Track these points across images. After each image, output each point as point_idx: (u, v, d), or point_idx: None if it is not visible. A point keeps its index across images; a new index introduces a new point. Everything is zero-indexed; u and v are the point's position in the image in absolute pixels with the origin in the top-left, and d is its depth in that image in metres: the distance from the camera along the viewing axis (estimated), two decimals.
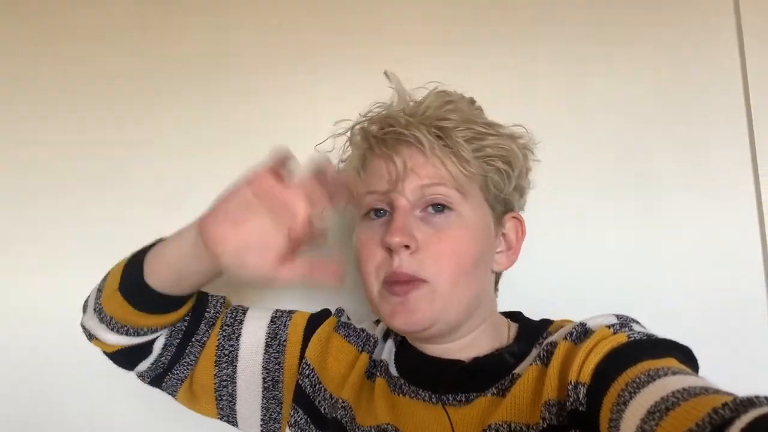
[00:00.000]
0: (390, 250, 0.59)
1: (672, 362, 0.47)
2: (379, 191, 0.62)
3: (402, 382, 0.64)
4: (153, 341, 0.66)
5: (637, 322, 0.56)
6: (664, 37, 0.90)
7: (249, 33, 1.00)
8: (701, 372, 0.50)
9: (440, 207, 0.60)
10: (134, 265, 0.61)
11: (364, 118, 0.67)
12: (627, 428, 0.42)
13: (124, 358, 0.66)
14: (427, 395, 0.61)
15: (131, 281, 0.60)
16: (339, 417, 0.64)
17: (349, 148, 0.70)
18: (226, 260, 0.49)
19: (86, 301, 0.67)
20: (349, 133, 0.69)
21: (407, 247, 0.58)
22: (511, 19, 0.94)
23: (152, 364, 0.67)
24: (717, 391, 0.40)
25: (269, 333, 0.70)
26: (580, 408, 0.49)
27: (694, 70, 0.89)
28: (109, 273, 0.64)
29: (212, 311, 0.70)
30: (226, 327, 0.70)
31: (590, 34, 0.92)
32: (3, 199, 1.01)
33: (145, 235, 0.64)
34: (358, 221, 0.65)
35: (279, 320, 0.72)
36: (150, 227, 0.65)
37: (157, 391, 0.71)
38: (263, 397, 0.70)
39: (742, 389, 0.39)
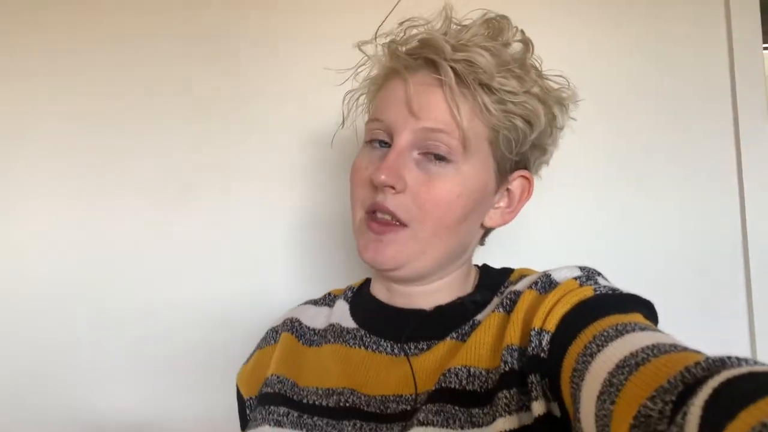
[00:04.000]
0: (376, 187, 0.57)
1: (639, 318, 0.48)
2: (383, 121, 0.60)
3: (363, 333, 0.63)
4: None
5: (601, 275, 0.56)
6: (656, 18, 0.95)
7: (254, 21, 1.01)
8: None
9: (440, 156, 0.57)
10: None
11: (402, 33, 0.62)
12: (593, 380, 0.42)
13: None
14: (389, 346, 0.61)
15: None
16: (277, 390, 0.63)
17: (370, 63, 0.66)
18: None
19: None
20: (378, 46, 0.64)
21: (393, 188, 0.57)
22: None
23: None
24: (685, 349, 0.40)
25: None
26: (542, 354, 0.49)
27: (684, 63, 0.95)
28: None
29: None
30: None
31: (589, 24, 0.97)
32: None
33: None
34: (362, 145, 0.63)
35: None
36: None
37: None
38: None
39: (717, 351, 0.39)
